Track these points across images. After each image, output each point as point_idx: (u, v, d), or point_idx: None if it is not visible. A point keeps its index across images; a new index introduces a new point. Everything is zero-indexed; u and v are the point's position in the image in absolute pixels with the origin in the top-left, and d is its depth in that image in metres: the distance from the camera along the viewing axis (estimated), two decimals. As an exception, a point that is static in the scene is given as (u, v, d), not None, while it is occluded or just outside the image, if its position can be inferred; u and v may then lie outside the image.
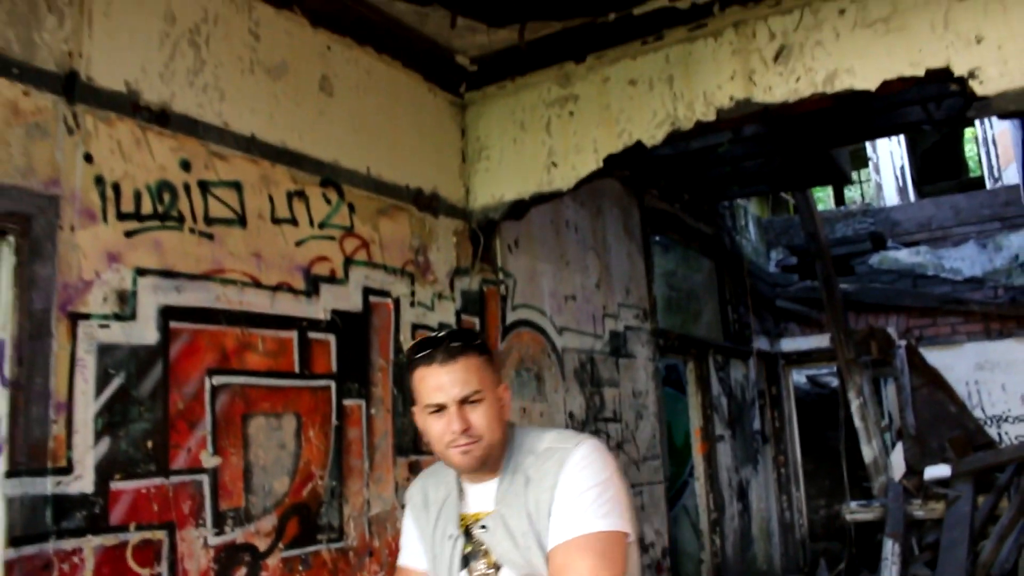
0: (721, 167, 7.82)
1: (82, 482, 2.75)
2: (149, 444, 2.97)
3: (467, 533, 2.00)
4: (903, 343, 9.16)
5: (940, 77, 3.71)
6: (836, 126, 6.75)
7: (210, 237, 3.32)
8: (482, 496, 2.01)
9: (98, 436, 2.81)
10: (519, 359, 5.15)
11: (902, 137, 14.71)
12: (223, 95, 3.47)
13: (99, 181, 2.96)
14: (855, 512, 8.21)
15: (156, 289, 3.08)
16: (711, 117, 4.16)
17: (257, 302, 3.46)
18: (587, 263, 6.21)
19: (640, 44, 4.36)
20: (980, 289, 10.08)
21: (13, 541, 2.54)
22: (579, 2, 4.26)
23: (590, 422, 5.89)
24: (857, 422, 8.54)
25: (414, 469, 4.08)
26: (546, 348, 5.49)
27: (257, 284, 3.47)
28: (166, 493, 2.99)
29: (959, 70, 3.63)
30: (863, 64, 3.80)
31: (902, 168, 15.15)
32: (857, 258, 10.84)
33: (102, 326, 2.89)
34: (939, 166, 16.21)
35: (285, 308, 3.58)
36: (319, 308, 3.75)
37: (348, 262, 3.96)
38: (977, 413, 9.37)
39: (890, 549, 7.20)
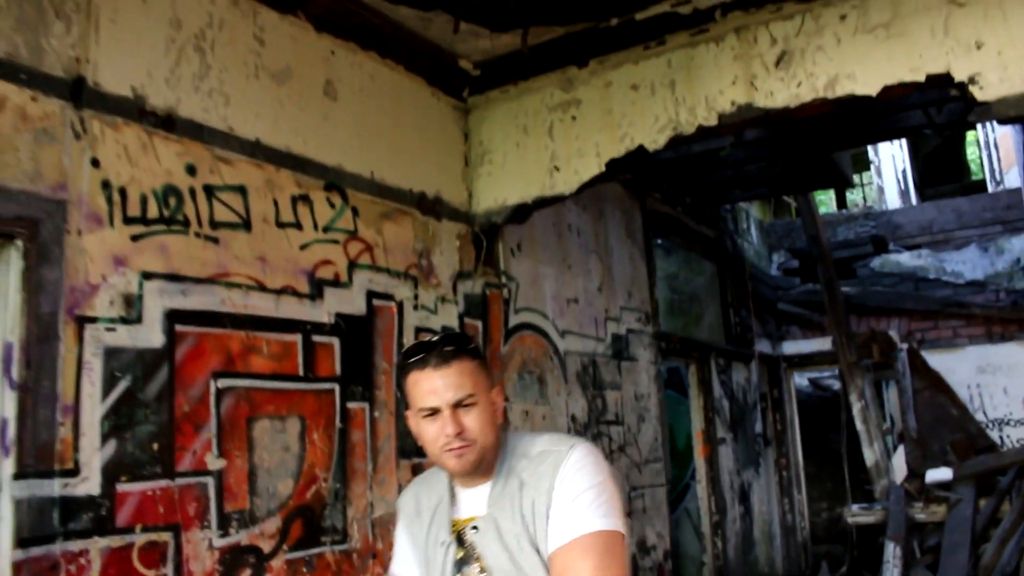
0: (723, 171, 7.84)
1: (89, 484, 2.77)
2: (155, 446, 2.99)
3: (459, 539, 2.00)
4: (905, 346, 9.18)
5: (941, 82, 3.73)
6: (837, 130, 6.77)
7: (215, 241, 3.34)
8: (475, 500, 2.02)
9: (104, 438, 2.84)
10: (521, 362, 5.17)
11: (904, 140, 14.73)
12: (228, 100, 3.50)
13: (106, 186, 2.98)
14: (857, 515, 8.23)
15: (162, 293, 3.10)
16: (713, 122, 4.18)
17: (262, 305, 3.48)
18: (589, 266, 6.23)
19: (642, 49, 4.39)
20: (982, 292, 10.09)
21: (21, 542, 2.56)
22: (582, 7, 4.29)
23: (592, 425, 5.91)
24: (859, 425, 8.55)
25: (417, 471, 4.10)
26: (548, 351, 5.51)
27: (262, 288, 3.49)
28: (172, 495, 3.02)
29: (959, 76, 3.65)
30: (864, 69, 3.82)
31: (904, 171, 15.17)
32: (859, 261, 10.85)
33: (108, 329, 2.91)
34: (941, 169, 16.22)
35: (289, 311, 3.61)
36: (323, 311, 3.78)
37: (352, 266, 3.98)
38: (979, 416, 9.38)
39: (891, 552, 7.22)
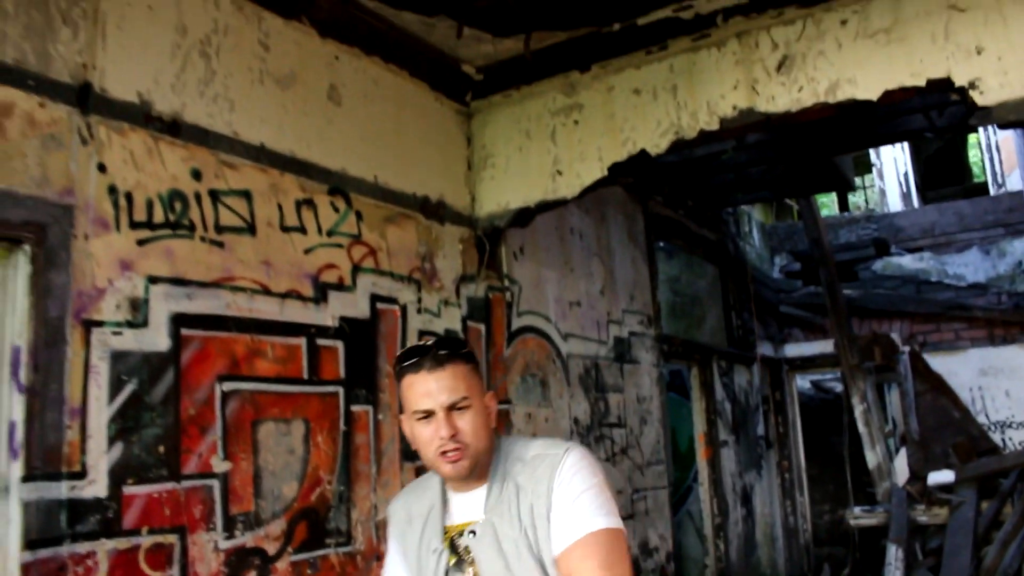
0: (725, 174, 7.86)
1: (96, 486, 2.79)
2: (161, 449, 3.01)
3: (452, 545, 2.01)
4: (907, 349, 9.20)
5: (941, 87, 3.76)
6: (839, 134, 6.79)
7: (220, 245, 3.36)
8: (468, 505, 2.03)
9: (111, 441, 2.86)
10: (524, 365, 5.19)
11: (906, 143, 14.74)
12: (233, 105, 3.52)
13: (112, 191, 3.01)
14: (859, 517, 8.24)
15: (168, 297, 3.12)
16: (714, 126, 4.20)
17: (266, 309, 3.50)
18: (592, 269, 6.25)
19: (644, 54, 4.41)
20: (984, 295, 10.11)
21: (29, 544, 2.58)
22: (584, 12, 4.32)
23: (594, 427, 5.93)
24: (861, 427, 8.56)
25: (421, 474, 4.11)
26: (551, 354, 5.53)
27: (267, 291, 3.52)
28: (178, 497, 3.04)
29: (960, 80, 3.68)
30: (865, 74, 3.85)
31: (906, 174, 15.18)
32: (861, 264, 10.87)
33: (115, 333, 2.93)
34: (943, 172, 16.23)
35: (294, 315, 3.63)
36: (327, 315, 3.80)
37: (356, 269, 4.00)
38: (981, 419, 9.40)
39: (894, 554, 7.23)
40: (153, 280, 3.08)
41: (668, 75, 4.36)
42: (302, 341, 3.65)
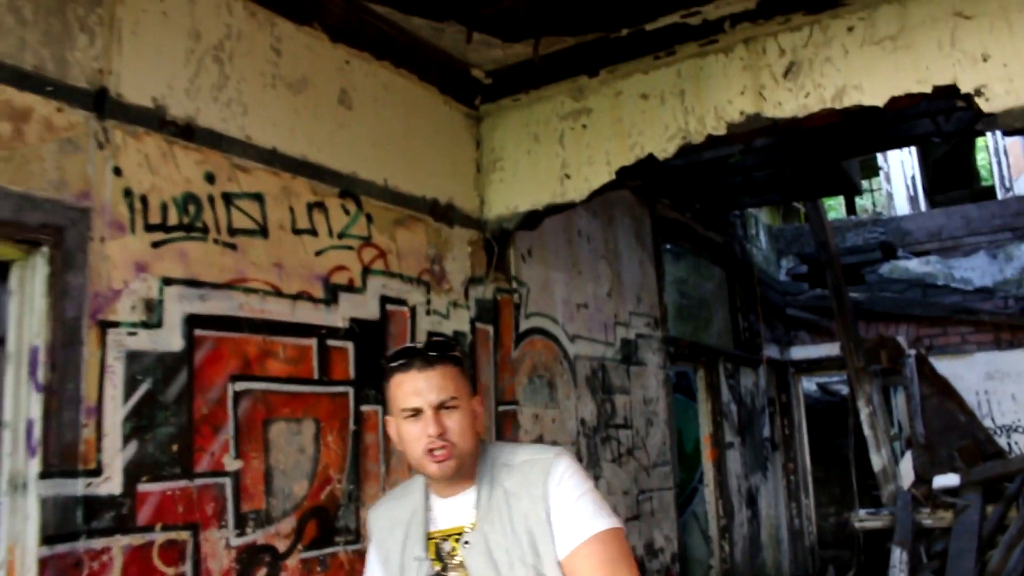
0: (732, 177, 7.89)
1: (111, 484, 2.84)
2: (174, 448, 3.06)
3: (437, 551, 2.01)
4: (913, 352, 9.20)
5: (947, 94, 3.78)
6: (846, 138, 6.81)
7: (233, 247, 3.41)
8: (452, 510, 2.03)
9: (126, 440, 2.91)
10: (532, 366, 5.24)
11: (913, 147, 14.74)
12: (246, 109, 3.57)
13: (128, 194, 3.05)
14: (864, 520, 8.25)
15: (181, 298, 3.17)
16: (722, 131, 4.23)
17: (278, 310, 3.55)
18: (599, 272, 6.29)
19: (652, 59, 4.45)
20: (990, 299, 10.11)
21: (47, 539, 2.64)
22: (592, 18, 4.35)
23: (601, 428, 5.97)
24: (866, 430, 8.58)
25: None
26: (558, 355, 5.57)
27: (278, 293, 3.57)
28: (190, 495, 3.09)
29: (966, 87, 3.70)
30: (871, 80, 3.88)
31: (913, 177, 15.18)
32: (867, 267, 10.88)
33: (130, 334, 2.98)
34: (950, 175, 16.22)
35: (305, 316, 3.68)
36: (338, 316, 3.85)
37: (366, 271, 4.05)
38: (987, 423, 9.39)
39: (898, 557, 7.25)
40: (167, 282, 3.13)
41: (676, 80, 4.40)
42: (313, 342, 3.70)
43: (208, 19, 3.46)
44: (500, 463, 2.02)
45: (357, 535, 3.77)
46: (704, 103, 4.29)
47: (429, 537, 2.04)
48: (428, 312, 4.40)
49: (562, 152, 4.70)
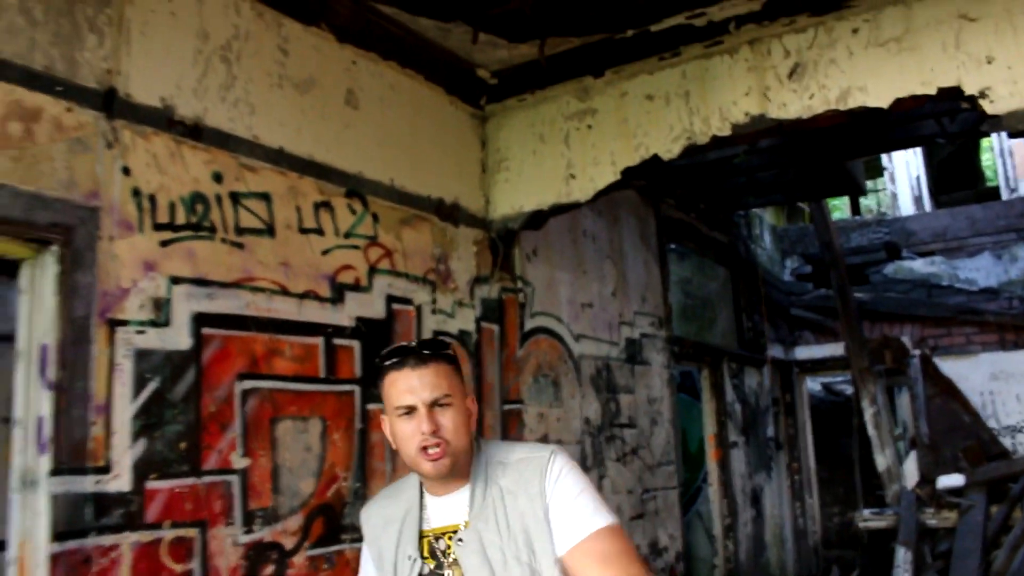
0: (736, 178, 7.90)
1: (120, 481, 2.86)
2: (182, 445, 3.09)
3: (431, 550, 2.01)
4: (917, 352, 9.21)
5: (952, 95, 3.79)
6: (851, 139, 6.82)
7: (241, 246, 3.43)
8: (446, 508, 2.03)
9: (135, 437, 2.93)
10: (537, 366, 5.25)
11: (918, 148, 14.71)
12: (253, 109, 3.59)
13: (136, 193, 3.08)
14: (868, 520, 8.27)
15: (189, 297, 3.19)
16: (727, 132, 4.25)
17: (285, 309, 3.57)
18: (604, 271, 6.30)
19: (657, 60, 4.46)
20: (995, 300, 10.11)
21: (57, 536, 2.67)
22: (598, 19, 4.37)
23: (606, 428, 5.99)
24: (871, 430, 8.59)
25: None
26: (563, 355, 5.59)
27: (285, 292, 3.59)
28: (198, 492, 3.11)
29: (970, 89, 3.71)
30: (876, 82, 3.89)
31: (918, 178, 15.16)
32: (872, 267, 10.88)
33: (139, 332, 3.00)
34: (955, 176, 16.20)
35: (312, 315, 3.70)
36: (344, 315, 3.87)
37: (372, 270, 4.07)
38: (991, 423, 9.39)
39: (902, 557, 7.26)
40: (175, 280, 3.15)
41: (681, 81, 4.41)
42: (319, 341, 3.72)
43: (216, 19, 3.48)
44: (495, 461, 2.02)
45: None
46: (709, 104, 4.31)
47: (422, 536, 2.04)
48: (434, 311, 4.42)
49: (567, 152, 4.72)
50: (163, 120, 3.22)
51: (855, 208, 15.25)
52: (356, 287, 3.96)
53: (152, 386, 3.02)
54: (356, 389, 3.86)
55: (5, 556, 2.72)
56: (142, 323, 3.02)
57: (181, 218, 3.22)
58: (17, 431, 2.75)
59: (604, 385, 6.06)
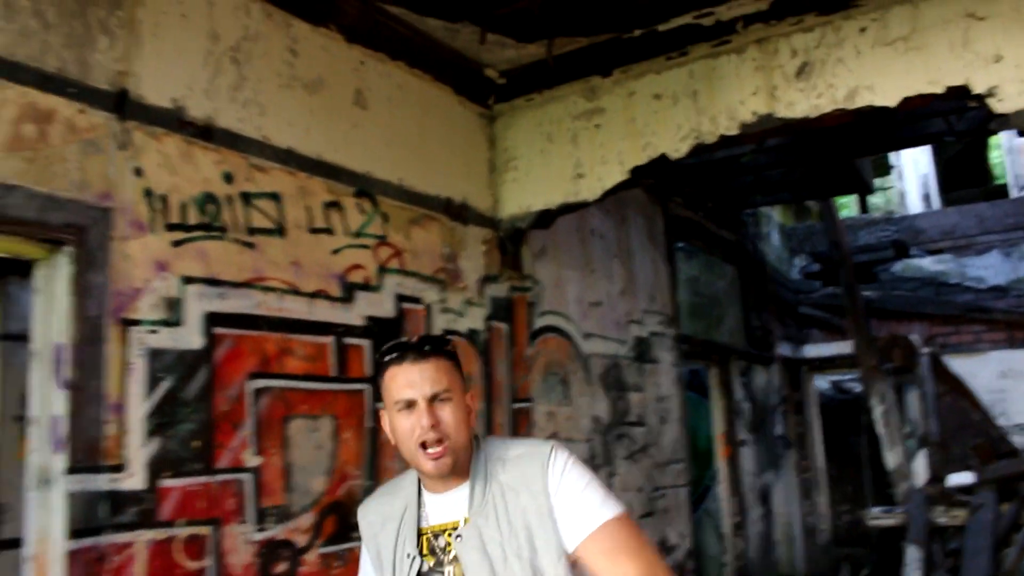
0: (744, 176, 7.90)
1: (134, 479, 2.89)
2: (195, 444, 3.11)
3: (430, 547, 2.00)
4: (927, 351, 9.19)
5: (959, 94, 3.79)
6: (858, 137, 6.81)
7: (251, 246, 3.46)
8: (445, 506, 2.02)
9: (148, 436, 2.96)
10: (546, 364, 5.27)
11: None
12: (263, 110, 3.61)
13: (148, 194, 3.11)
14: (877, 518, 8.25)
15: (201, 296, 3.22)
16: (734, 131, 4.26)
17: (296, 308, 3.60)
18: (612, 270, 6.32)
19: (665, 59, 4.47)
20: (1004, 298, 10.07)
21: (74, 533, 2.70)
22: (605, 19, 4.38)
23: (615, 426, 6.00)
24: (880, 429, 8.58)
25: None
26: (572, 353, 5.61)
27: (296, 291, 3.61)
28: (211, 491, 3.14)
29: (978, 88, 3.71)
30: (883, 81, 3.89)
31: (926, 176, 15.13)
32: (880, 265, 10.85)
33: (151, 332, 3.03)
34: (964, 173, 16.16)
35: (322, 314, 3.73)
36: (354, 314, 3.89)
37: (382, 270, 4.09)
38: (1001, 421, 9.36)
39: (912, 555, 7.25)
40: (187, 280, 3.18)
41: (688, 80, 4.42)
42: (330, 340, 3.74)
43: (226, 20, 3.51)
44: (494, 458, 2.01)
45: (374, 531, 3.81)
46: (717, 103, 4.32)
47: (421, 533, 2.03)
48: (443, 310, 4.44)
49: (575, 152, 4.74)
50: (174, 121, 3.24)
51: (863, 206, 15.23)
52: (366, 286, 3.98)
53: (165, 385, 3.05)
54: (367, 388, 3.88)
55: (22, 553, 2.75)
56: (155, 323, 3.05)
57: (192, 218, 3.25)
58: (34, 430, 2.78)
59: (613, 383, 6.07)
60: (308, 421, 3.58)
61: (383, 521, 2.10)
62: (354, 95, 4.11)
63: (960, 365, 9.29)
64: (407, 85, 4.45)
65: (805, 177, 8.05)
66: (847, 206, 16.27)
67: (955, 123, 6.53)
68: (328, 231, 3.84)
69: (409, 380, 1.95)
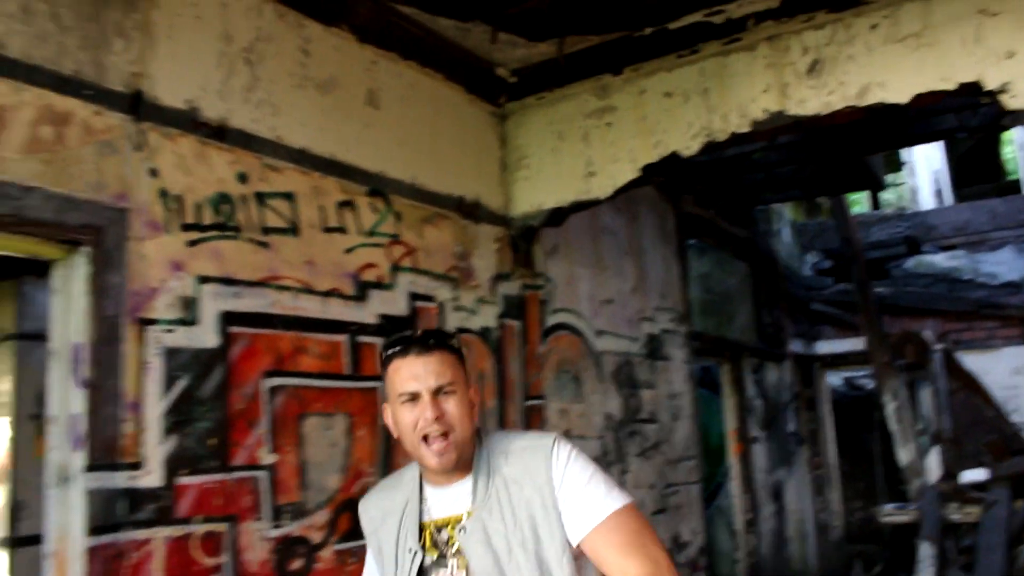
0: (755, 173, 7.89)
1: (152, 477, 2.93)
2: (212, 442, 3.14)
3: (433, 541, 2.00)
4: (939, 347, 9.17)
5: (971, 91, 3.78)
6: (870, 134, 6.80)
7: (266, 246, 3.49)
8: (448, 499, 2.01)
9: (165, 434, 2.99)
10: (558, 361, 5.29)
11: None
12: (276, 110, 3.64)
13: (163, 194, 3.14)
14: (891, 515, 8.24)
15: (217, 295, 3.25)
16: (745, 129, 4.26)
17: (310, 307, 3.63)
18: (624, 268, 6.33)
19: (676, 57, 4.48)
20: (1017, 294, 10.03)
21: (93, 530, 2.74)
22: (616, 17, 4.39)
23: (627, 423, 6.02)
24: (893, 425, 8.56)
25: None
26: (584, 351, 5.62)
27: (310, 290, 3.64)
28: (228, 488, 3.17)
29: (990, 84, 3.71)
30: (895, 78, 3.89)
31: (938, 172, 15.07)
32: (892, 262, 10.83)
33: (168, 331, 3.06)
34: (976, 169, 16.09)
35: (336, 313, 3.75)
36: (368, 313, 3.92)
37: (395, 268, 4.12)
38: (1014, 418, 9.33)
39: (926, 552, 7.24)
40: (203, 280, 3.21)
41: (699, 78, 4.43)
42: (344, 338, 3.77)
43: (239, 21, 3.54)
44: (497, 451, 2.01)
45: (388, 528, 3.83)
46: (728, 101, 4.32)
47: (423, 527, 2.03)
48: (456, 308, 4.46)
49: (587, 150, 4.75)
50: (189, 122, 3.27)
51: (875, 202, 15.19)
52: (379, 285, 4.01)
53: (181, 384, 3.08)
54: (380, 386, 3.88)
55: (42, 550, 2.78)
56: (171, 322, 3.08)
57: (207, 218, 3.28)
58: (53, 428, 2.82)
59: (625, 380, 6.08)
60: (323, 419, 3.61)
61: (384, 516, 2.10)
62: (366, 95, 4.13)
63: (973, 361, 9.26)
64: (419, 84, 4.47)
65: (816, 174, 8.03)
66: (859, 202, 16.21)
67: (967, 119, 6.50)
68: (341, 230, 3.87)
69: (413, 373, 1.95)
